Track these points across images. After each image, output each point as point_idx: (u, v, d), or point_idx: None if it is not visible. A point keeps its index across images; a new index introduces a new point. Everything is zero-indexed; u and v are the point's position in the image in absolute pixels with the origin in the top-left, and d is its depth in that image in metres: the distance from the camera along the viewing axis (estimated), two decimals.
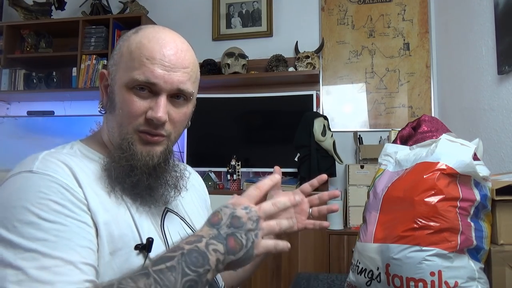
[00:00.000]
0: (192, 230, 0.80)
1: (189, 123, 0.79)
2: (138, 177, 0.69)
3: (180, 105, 0.72)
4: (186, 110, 0.74)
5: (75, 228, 0.59)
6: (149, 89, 0.69)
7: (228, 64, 2.72)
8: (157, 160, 0.71)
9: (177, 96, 0.71)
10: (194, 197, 0.91)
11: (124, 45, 0.72)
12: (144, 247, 0.66)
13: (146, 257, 0.66)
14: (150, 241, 0.67)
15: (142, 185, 0.70)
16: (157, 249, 0.68)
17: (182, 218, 0.81)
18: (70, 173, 0.64)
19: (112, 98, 0.72)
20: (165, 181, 0.74)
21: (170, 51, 0.69)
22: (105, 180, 0.70)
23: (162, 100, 0.69)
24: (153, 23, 2.93)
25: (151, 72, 0.67)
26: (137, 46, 0.69)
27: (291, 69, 2.73)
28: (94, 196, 0.65)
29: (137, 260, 0.65)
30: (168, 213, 0.78)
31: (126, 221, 0.67)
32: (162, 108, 0.68)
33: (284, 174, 2.58)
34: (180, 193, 0.78)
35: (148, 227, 0.70)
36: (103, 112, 0.76)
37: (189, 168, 0.92)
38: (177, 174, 0.77)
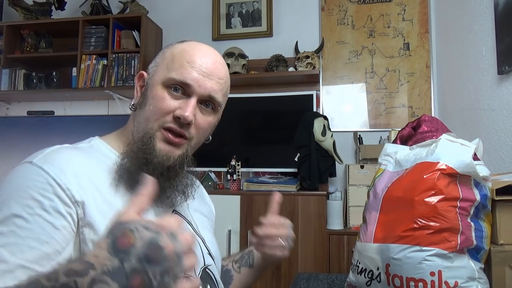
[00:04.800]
0: (198, 236, 0.81)
1: (210, 138, 0.82)
2: (149, 173, 0.68)
3: (207, 113, 0.76)
4: (212, 120, 0.77)
5: (35, 227, 0.59)
6: (183, 91, 0.72)
7: (228, 64, 2.72)
8: (173, 162, 0.72)
9: (206, 103, 0.75)
10: (202, 208, 0.91)
11: (168, 51, 0.77)
12: None
13: None
14: None
15: None
16: None
17: (189, 223, 0.81)
18: (70, 170, 0.64)
19: (145, 94, 0.75)
20: (175, 185, 0.75)
21: (209, 60, 0.75)
22: (115, 174, 0.70)
23: (193, 101, 0.72)
24: (153, 23, 2.93)
25: (189, 74, 0.72)
26: (180, 51, 0.75)
27: (291, 69, 2.73)
28: (97, 194, 0.65)
29: None
30: (176, 216, 0.78)
31: None
32: (190, 109, 0.71)
33: (284, 174, 2.58)
34: (186, 200, 0.78)
35: None
36: (133, 109, 0.78)
37: (197, 182, 0.93)
38: (188, 181, 0.78)
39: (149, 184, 0.51)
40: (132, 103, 0.78)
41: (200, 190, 0.95)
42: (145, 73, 0.79)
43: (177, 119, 0.71)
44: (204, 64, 0.73)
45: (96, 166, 0.69)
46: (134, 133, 0.75)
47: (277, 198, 0.89)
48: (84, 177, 0.65)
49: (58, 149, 0.68)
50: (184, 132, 0.72)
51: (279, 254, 0.87)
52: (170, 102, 0.71)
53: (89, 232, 0.62)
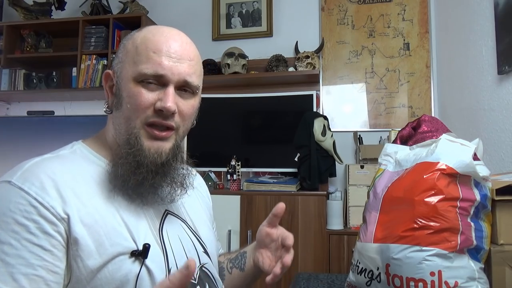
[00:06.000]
0: (193, 233, 0.79)
1: (195, 122, 0.78)
2: (143, 175, 0.68)
3: (188, 97, 0.73)
4: (194, 102, 0.74)
5: (25, 252, 0.57)
6: (157, 82, 0.69)
7: (228, 64, 2.72)
8: (166, 157, 0.70)
9: (184, 89, 0.72)
10: (197, 200, 0.89)
11: (128, 43, 0.72)
12: (141, 254, 0.65)
13: (142, 263, 0.65)
14: (146, 247, 0.65)
15: (147, 183, 0.69)
16: (154, 254, 0.67)
17: (183, 221, 0.79)
18: (51, 186, 0.62)
19: (119, 94, 0.71)
20: (172, 178, 0.73)
21: (175, 43, 0.71)
22: (105, 181, 0.68)
23: (171, 90, 0.69)
24: (153, 23, 2.92)
25: (159, 65, 0.68)
26: (142, 41, 0.70)
27: (291, 69, 2.73)
28: (81, 207, 0.63)
29: (133, 267, 0.64)
30: (168, 215, 0.76)
31: (119, 229, 0.66)
32: (171, 98, 0.68)
33: (284, 174, 2.58)
34: (186, 191, 0.76)
35: (145, 232, 0.68)
36: (109, 112, 0.75)
37: (193, 170, 0.90)
38: (184, 172, 0.76)
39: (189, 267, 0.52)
40: (106, 105, 0.74)
41: (197, 179, 0.93)
42: (111, 72, 0.74)
43: (159, 112, 0.68)
44: (172, 49, 0.69)
45: (80, 176, 0.67)
46: (116, 136, 0.72)
47: (279, 210, 0.77)
48: (67, 191, 0.63)
49: (37, 163, 0.66)
50: (170, 123, 0.70)
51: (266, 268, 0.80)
52: (148, 95, 0.68)
53: (76, 249, 0.61)
